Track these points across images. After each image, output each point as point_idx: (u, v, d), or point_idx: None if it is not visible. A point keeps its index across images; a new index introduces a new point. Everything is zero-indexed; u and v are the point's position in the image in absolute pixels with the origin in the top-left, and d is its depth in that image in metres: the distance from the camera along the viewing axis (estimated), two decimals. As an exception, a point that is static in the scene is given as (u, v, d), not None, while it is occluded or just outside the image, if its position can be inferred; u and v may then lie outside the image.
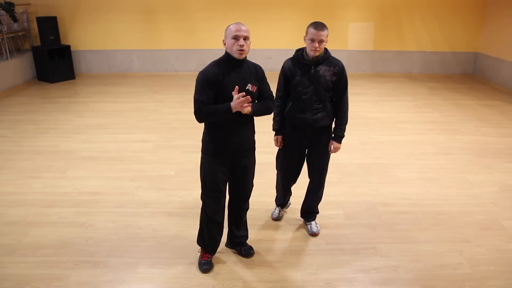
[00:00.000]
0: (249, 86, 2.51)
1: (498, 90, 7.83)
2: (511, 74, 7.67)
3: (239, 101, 2.37)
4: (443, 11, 8.56)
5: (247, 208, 2.91)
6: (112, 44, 8.72)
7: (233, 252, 2.99)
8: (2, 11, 7.55)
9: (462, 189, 4.00)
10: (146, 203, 3.65)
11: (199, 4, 8.46)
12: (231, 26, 2.46)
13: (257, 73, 2.59)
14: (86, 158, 4.57)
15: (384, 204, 3.69)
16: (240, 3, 8.42)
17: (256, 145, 2.75)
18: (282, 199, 3.40)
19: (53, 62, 8.07)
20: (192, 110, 2.50)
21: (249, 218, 3.01)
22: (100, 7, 8.41)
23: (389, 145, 5.05)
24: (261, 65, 2.69)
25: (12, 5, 7.60)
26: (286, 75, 2.91)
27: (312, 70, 2.82)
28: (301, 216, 3.36)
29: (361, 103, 6.86)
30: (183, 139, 5.16)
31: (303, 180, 3.24)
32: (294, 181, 3.25)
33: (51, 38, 8.02)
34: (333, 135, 3.00)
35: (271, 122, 3.06)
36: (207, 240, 2.80)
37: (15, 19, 7.84)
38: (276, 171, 3.28)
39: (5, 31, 7.54)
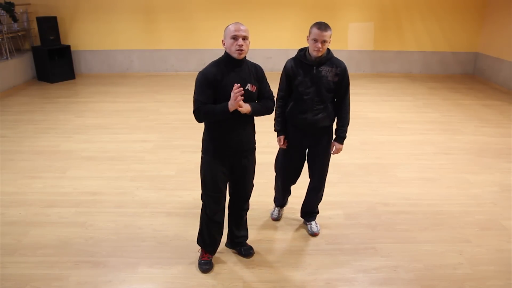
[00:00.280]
0: (248, 86, 2.51)
1: (498, 90, 7.83)
2: (511, 74, 7.67)
3: (234, 94, 2.35)
4: (443, 11, 8.57)
5: (247, 209, 2.91)
6: (112, 44, 8.72)
7: (233, 252, 2.99)
8: (2, 11, 7.55)
9: (462, 189, 4.00)
10: (146, 203, 3.65)
11: (199, 4, 8.46)
12: (230, 26, 2.46)
13: (256, 73, 2.59)
14: (86, 158, 4.57)
15: (384, 204, 3.69)
16: (240, 3, 8.42)
17: (256, 145, 2.75)
18: (281, 199, 3.40)
19: (53, 62, 8.07)
20: (192, 110, 2.50)
21: (249, 218, 3.01)
22: (100, 7, 8.41)
23: (389, 145, 5.05)
24: (261, 65, 2.69)
25: (12, 5, 7.60)
26: (288, 75, 2.90)
27: (314, 71, 2.81)
28: (301, 216, 3.36)
29: (361, 103, 6.86)
30: (183, 139, 5.16)
31: (303, 180, 3.24)
32: (294, 182, 3.24)
33: (51, 38, 8.02)
34: (335, 136, 3.00)
35: (272, 122, 3.06)
36: (207, 240, 2.80)
37: (15, 19, 7.84)
38: (275, 174, 3.28)
39: (5, 31, 7.54)
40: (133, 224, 3.32)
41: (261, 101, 2.61)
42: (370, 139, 5.24)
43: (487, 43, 8.51)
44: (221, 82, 2.45)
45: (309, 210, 3.28)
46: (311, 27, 2.75)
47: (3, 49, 7.49)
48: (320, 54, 2.76)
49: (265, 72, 2.68)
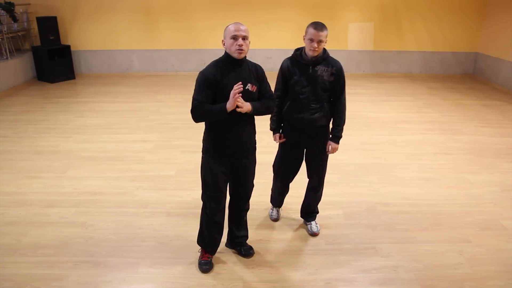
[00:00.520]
0: (248, 86, 2.51)
1: (498, 90, 7.83)
2: (511, 74, 7.67)
3: (233, 92, 2.35)
4: (443, 11, 8.57)
5: (248, 209, 2.91)
6: (112, 44, 8.72)
7: (233, 252, 2.99)
8: (2, 11, 7.55)
9: (462, 189, 4.00)
10: (146, 203, 3.65)
11: (199, 4, 8.46)
12: (229, 26, 2.46)
13: (257, 73, 2.59)
14: (86, 158, 4.57)
15: (384, 204, 3.69)
16: (240, 3, 8.42)
17: (256, 145, 2.75)
18: (279, 199, 3.41)
19: (53, 62, 8.07)
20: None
21: (249, 218, 3.01)
22: (100, 7, 8.41)
23: (389, 145, 5.05)
24: (261, 65, 2.69)
25: (12, 5, 7.59)
26: (284, 74, 2.92)
27: (310, 70, 2.83)
28: (301, 216, 3.36)
29: (361, 103, 6.86)
30: (183, 139, 5.16)
31: (302, 180, 3.24)
32: (291, 180, 3.26)
33: (51, 38, 8.02)
34: (330, 136, 3.01)
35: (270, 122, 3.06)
36: (207, 240, 2.80)
37: (15, 19, 7.83)
38: (273, 173, 3.28)
39: (5, 31, 7.54)
40: (133, 224, 3.32)
41: (261, 101, 2.61)
42: (370, 139, 5.24)
43: (487, 43, 8.51)
44: (221, 82, 2.45)
45: (309, 210, 3.29)
46: (308, 27, 2.77)
47: (3, 49, 7.49)
48: (316, 54, 2.78)
49: (265, 72, 2.68)
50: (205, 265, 2.79)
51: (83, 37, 8.61)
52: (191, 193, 3.78)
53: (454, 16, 8.59)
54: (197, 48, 8.75)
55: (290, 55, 2.95)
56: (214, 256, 2.89)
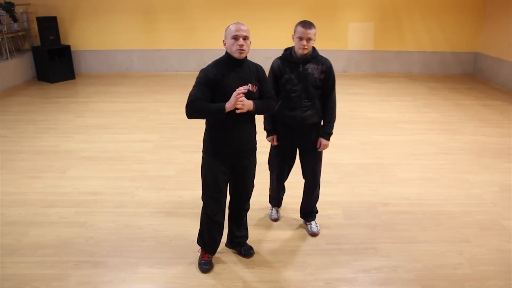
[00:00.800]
0: (249, 86, 2.50)
1: (498, 90, 7.83)
2: (511, 74, 7.67)
3: (237, 91, 2.37)
4: (443, 11, 8.57)
5: (248, 209, 2.91)
6: (112, 44, 8.72)
7: (233, 252, 2.99)
8: (2, 11, 7.55)
9: (462, 189, 4.00)
10: (146, 203, 3.65)
11: (199, 4, 8.46)
12: (230, 26, 2.46)
13: (257, 73, 2.59)
14: (86, 158, 4.57)
15: (384, 204, 3.69)
16: (240, 3, 8.42)
17: (257, 145, 2.75)
18: (277, 198, 3.41)
19: (53, 62, 8.07)
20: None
21: (249, 218, 3.01)
22: (100, 7, 8.41)
23: (389, 145, 5.05)
24: (261, 65, 2.70)
25: (12, 5, 7.60)
26: (275, 73, 2.95)
27: (301, 68, 2.87)
28: (300, 217, 3.36)
29: (361, 103, 6.86)
30: (183, 139, 5.16)
31: (301, 180, 3.23)
32: (286, 178, 3.29)
33: (51, 38, 8.02)
34: (321, 132, 3.04)
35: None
36: (207, 240, 2.79)
37: (15, 19, 7.84)
38: (269, 172, 3.30)
39: (5, 31, 7.54)
40: (133, 224, 3.32)
41: (262, 100, 2.61)
42: (370, 139, 5.24)
43: (487, 43, 8.51)
44: (221, 81, 2.45)
45: (308, 210, 3.29)
46: (296, 26, 2.81)
47: (3, 49, 7.49)
48: (305, 52, 2.81)
49: (265, 72, 2.68)
50: (205, 265, 2.79)
51: (83, 37, 8.61)
52: (191, 193, 3.78)
53: (454, 16, 8.59)
54: (197, 48, 8.75)
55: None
56: (214, 256, 2.89)
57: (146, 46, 8.75)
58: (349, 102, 6.89)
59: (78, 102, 6.83)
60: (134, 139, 5.13)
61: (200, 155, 2.68)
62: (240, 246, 2.97)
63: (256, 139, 2.73)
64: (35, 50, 8.08)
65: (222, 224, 2.79)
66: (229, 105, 2.39)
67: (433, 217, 3.50)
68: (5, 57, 7.48)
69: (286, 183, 3.39)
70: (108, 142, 5.04)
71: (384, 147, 4.98)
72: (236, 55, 2.45)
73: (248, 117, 2.56)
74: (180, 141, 5.09)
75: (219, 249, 2.92)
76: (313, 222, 3.26)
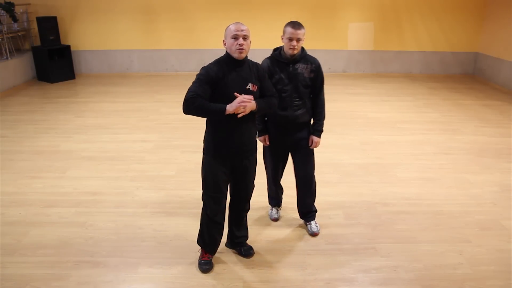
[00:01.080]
0: (249, 86, 2.51)
1: (498, 90, 7.83)
2: (511, 74, 7.67)
3: (240, 99, 2.38)
4: (443, 11, 8.57)
5: (248, 209, 2.90)
6: (112, 44, 8.72)
7: (233, 252, 2.99)
8: (2, 11, 7.55)
9: (462, 189, 4.00)
10: (146, 203, 3.65)
11: (199, 4, 8.46)
12: (230, 26, 2.46)
13: (257, 72, 2.59)
14: (86, 158, 4.57)
15: (384, 204, 3.69)
16: (240, 3, 8.42)
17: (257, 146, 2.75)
18: (276, 197, 3.42)
19: (53, 62, 8.07)
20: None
21: (249, 218, 3.01)
22: (100, 7, 8.41)
23: (389, 145, 5.05)
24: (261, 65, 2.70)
25: (12, 5, 7.60)
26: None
27: (291, 68, 2.90)
28: (300, 217, 3.35)
29: (361, 103, 6.86)
30: (183, 139, 5.16)
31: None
32: (280, 175, 3.31)
33: (51, 38, 8.02)
34: (312, 130, 3.07)
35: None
36: (207, 240, 2.79)
37: (15, 19, 7.84)
38: (266, 172, 3.31)
39: (5, 31, 7.54)
40: (133, 224, 3.32)
41: (264, 98, 2.61)
42: (370, 139, 5.24)
43: (487, 43, 8.51)
44: (221, 80, 2.45)
45: (306, 209, 3.28)
46: (285, 26, 2.85)
47: (3, 49, 7.49)
48: (295, 52, 2.85)
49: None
50: (205, 265, 2.79)
51: (83, 37, 8.61)
52: (191, 193, 3.78)
53: (454, 16, 8.59)
54: (197, 48, 8.75)
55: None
56: (214, 256, 2.89)
57: (146, 46, 8.75)
58: (349, 102, 6.89)
59: (78, 102, 6.83)
60: (134, 139, 5.13)
61: (200, 155, 2.68)
62: (240, 246, 2.97)
63: (257, 139, 2.73)
64: (35, 50, 8.08)
65: (222, 225, 2.79)
66: (230, 109, 2.40)
67: (433, 217, 3.50)
68: (5, 57, 7.48)
69: (285, 183, 3.40)
70: (108, 142, 5.04)
71: (384, 147, 4.98)
72: (236, 55, 2.45)
73: (249, 117, 2.54)
74: (180, 141, 5.09)
75: (219, 249, 2.91)
76: (312, 222, 3.26)
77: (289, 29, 2.80)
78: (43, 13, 8.27)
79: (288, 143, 3.10)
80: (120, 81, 8.31)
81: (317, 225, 3.26)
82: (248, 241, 3.01)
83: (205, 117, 2.52)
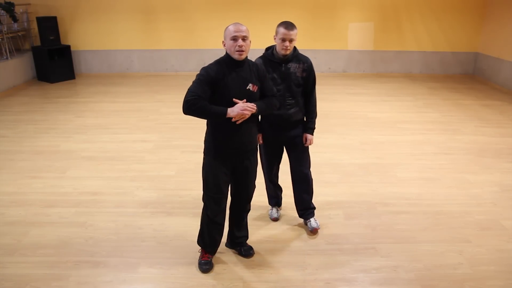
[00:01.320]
0: (249, 86, 2.51)
1: (498, 90, 7.83)
2: (511, 74, 7.67)
3: (243, 106, 2.39)
4: (443, 11, 8.57)
5: (249, 210, 2.90)
6: (112, 44, 8.72)
7: (233, 252, 2.99)
8: (2, 11, 7.55)
9: (462, 189, 4.00)
10: (146, 203, 3.65)
11: (199, 4, 8.46)
12: (229, 27, 2.46)
13: (258, 72, 2.58)
14: (86, 158, 4.57)
15: (384, 204, 3.69)
16: (240, 3, 8.42)
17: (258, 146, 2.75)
18: (276, 197, 3.42)
19: (53, 62, 8.07)
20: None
21: (249, 218, 3.01)
22: (100, 7, 8.41)
23: (389, 145, 5.05)
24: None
25: (12, 5, 7.60)
26: None
27: (283, 68, 2.93)
28: (299, 216, 3.35)
29: (361, 103, 6.86)
30: (183, 139, 5.16)
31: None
32: (277, 175, 3.35)
33: (51, 38, 8.02)
34: (306, 128, 3.10)
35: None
36: (208, 240, 2.79)
37: (15, 19, 7.84)
38: (263, 173, 3.31)
39: (5, 31, 7.54)
40: (133, 224, 3.32)
41: (265, 99, 2.61)
42: (370, 139, 5.24)
43: (487, 43, 8.51)
44: (222, 81, 2.44)
45: (305, 207, 3.28)
46: (278, 27, 2.87)
47: (3, 49, 7.49)
48: (288, 53, 2.88)
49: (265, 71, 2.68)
50: (205, 265, 2.79)
51: (83, 37, 8.62)
52: (191, 193, 3.78)
53: (454, 16, 8.59)
54: (197, 48, 8.75)
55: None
56: (214, 256, 2.89)
57: (146, 46, 8.75)
58: (349, 102, 6.89)
59: (78, 102, 6.83)
60: (134, 139, 5.13)
61: (200, 155, 2.68)
62: (240, 246, 2.97)
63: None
64: (35, 50, 8.08)
65: (222, 225, 2.79)
66: (231, 114, 2.40)
67: (433, 217, 3.50)
68: (5, 57, 7.48)
69: (285, 183, 3.40)
70: (108, 142, 5.04)
71: (384, 147, 4.98)
72: (235, 56, 2.45)
73: (250, 118, 2.53)
74: (180, 141, 5.09)
75: (219, 249, 2.91)
76: (312, 219, 3.26)
77: (282, 30, 2.82)
78: (43, 13, 8.27)
79: (282, 141, 3.14)
80: (120, 81, 8.31)
81: (316, 221, 3.26)
82: (248, 241, 3.01)
83: (205, 118, 2.52)
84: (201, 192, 2.72)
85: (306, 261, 2.91)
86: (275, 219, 3.41)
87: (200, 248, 2.86)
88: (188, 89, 2.43)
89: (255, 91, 2.54)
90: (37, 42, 8.27)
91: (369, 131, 5.51)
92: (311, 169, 3.24)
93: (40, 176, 4.15)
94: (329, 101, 6.87)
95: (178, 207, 3.59)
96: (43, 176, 4.15)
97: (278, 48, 2.89)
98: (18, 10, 7.98)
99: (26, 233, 3.20)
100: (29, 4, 8.26)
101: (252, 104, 2.46)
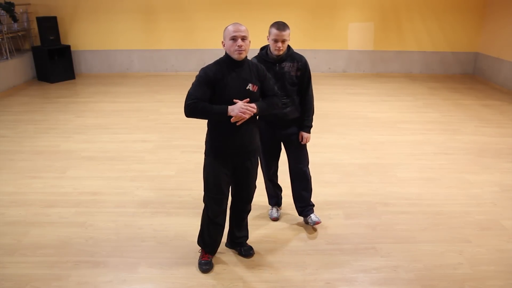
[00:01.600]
0: (249, 86, 2.50)
1: (498, 90, 7.83)
2: (511, 74, 7.67)
3: (244, 106, 2.39)
4: (443, 11, 8.57)
5: (249, 211, 2.90)
6: (112, 44, 8.72)
7: (233, 252, 2.99)
8: (2, 11, 7.55)
9: (462, 189, 4.00)
10: (146, 203, 3.65)
11: (199, 4, 8.46)
12: (229, 27, 2.46)
13: (258, 72, 2.58)
14: (86, 158, 4.57)
15: (384, 204, 3.69)
16: (240, 3, 8.42)
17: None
18: (276, 197, 3.43)
19: (53, 62, 8.07)
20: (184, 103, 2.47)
21: (249, 218, 3.01)
22: (100, 7, 8.41)
23: (389, 145, 5.05)
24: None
25: (12, 5, 7.60)
26: None
27: (277, 67, 2.93)
28: (298, 214, 3.35)
29: (361, 103, 6.86)
30: (183, 139, 5.16)
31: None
32: (276, 174, 3.35)
33: (51, 38, 8.02)
34: (302, 126, 3.10)
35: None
36: (208, 241, 2.80)
37: (15, 19, 7.84)
38: (262, 172, 3.31)
39: (5, 31, 7.54)
40: (133, 224, 3.32)
41: (266, 99, 2.60)
42: (370, 139, 5.24)
43: (487, 43, 8.51)
44: (221, 81, 2.44)
45: (304, 204, 3.29)
46: (270, 28, 2.87)
47: (3, 49, 7.49)
48: (281, 53, 2.89)
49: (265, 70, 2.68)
50: (205, 265, 2.79)
51: (83, 37, 8.62)
52: (191, 193, 3.78)
53: (454, 16, 8.59)
54: (197, 48, 8.75)
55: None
56: (214, 256, 2.89)
57: (146, 46, 8.75)
58: (349, 102, 6.89)
59: (78, 102, 6.83)
60: (134, 139, 5.13)
61: (200, 155, 2.68)
62: (240, 246, 2.97)
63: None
64: (35, 50, 8.08)
65: (223, 226, 2.79)
66: (232, 113, 2.41)
67: (433, 217, 3.50)
68: (5, 57, 7.48)
69: (284, 183, 3.40)
70: (108, 142, 5.04)
71: (384, 147, 4.98)
72: (235, 56, 2.44)
73: (251, 118, 2.53)
74: (180, 141, 5.09)
75: (219, 249, 2.92)
76: (312, 215, 3.26)
77: (274, 31, 2.83)
78: (43, 13, 8.27)
79: (279, 140, 3.15)
80: (120, 81, 8.31)
81: (317, 216, 3.26)
82: (248, 241, 3.01)
83: (207, 119, 2.52)
84: (201, 192, 2.72)
85: (306, 261, 2.91)
86: (275, 219, 3.41)
87: (200, 248, 2.86)
88: (188, 92, 2.44)
89: (255, 91, 2.54)
90: (37, 42, 8.27)
91: (369, 131, 5.51)
92: (310, 168, 3.24)
93: (40, 176, 4.15)
94: (329, 101, 6.87)
95: (178, 207, 3.59)
96: (43, 176, 4.15)
97: (271, 49, 2.90)
98: (18, 10, 7.98)
99: (26, 233, 3.20)
100: (29, 4, 8.26)
101: (253, 104, 2.45)
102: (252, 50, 2.53)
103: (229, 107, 2.41)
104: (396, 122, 5.92)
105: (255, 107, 2.46)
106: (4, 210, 3.53)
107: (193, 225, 3.17)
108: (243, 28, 2.44)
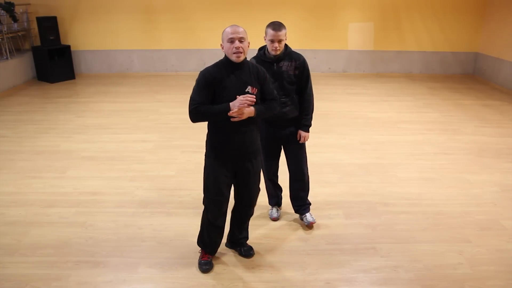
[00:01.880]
0: (249, 88, 2.49)
1: (498, 90, 7.83)
2: (511, 74, 7.67)
3: (242, 100, 2.39)
4: (443, 11, 8.57)
5: (251, 215, 2.89)
6: (112, 44, 8.72)
7: (233, 252, 2.99)
8: (2, 11, 7.55)
9: (462, 189, 4.00)
10: (146, 203, 3.65)
11: (199, 4, 8.46)
12: (226, 29, 2.45)
13: (257, 75, 2.56)
14: (86, 158, 4.57)
15: (384, 204, 3.69)
16: (240, 3, 8.42)
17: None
18: (276, 197, 3.43)
19: (53, 62, 8.07)
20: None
21: (249, 218, 3.01)
22: (100, 7, 8.41)
23: (389, 145, 5.05)
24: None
25: (12, 5, 7.60)
26: None
27: (275, 67, 2.94)
28: (295, 212, 3.36)
29: (361, 103, 6.86)
30: (183, 139, 5.16)
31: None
32: (276, 174, 3.35)
33: (51, 38, 8.02)
34: (300, 125, 3.10)
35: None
36: (207, 242, 2.80)
37: (15, 19, 7.84)
38: (262, 171, 3.31)
39: (5, 31, 7.54)
40: (133, 224, 3.32)
41: (264, 103, 2.60)
42: (370, 139, 5.24)
43: (487, 43, 8.51)
44: (220, 83, 2.44)
45: (300, 203, 3.30)
46: (267, 28, 2.87)
47: (3, 49, 7.49)
48: (278, 53, 2.90)
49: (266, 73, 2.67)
50: (205, 265, 2.79)
51: (83, 37, 8.61)
52: (191, 193, 3.78)
53: (454, 16, 8.59)
54: (197, 48, 8.75)
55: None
56: (214, 256, 2.89)
57: (146, 46, 8.75)
58: (349, 102, 6.89)
59: (78, 102, 6.83)
60: (134, 139, 5.13)
61: (200, 155, 2.68)
62: (240, 246, 2.96)
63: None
64: (35, 50, 8.08)
65: (222, 228, 2.79)
66: (233, 107, 2.40)
67: (433, 217, 3.50)
68: (5, 57, 7.48)
69: (284, 183, 3.39)
70: (108, 142, 5.04)
71: (384, 147, 4.98)
72: (233, 58, 2.44)
73: (251, 119, 2.53)
74: (180, 141, 5.09)
75: (219, 249, 2.92)
76: (307, 214, 3.27)
77: (270, 31, 2.83)
78: (43, 13, 8.26)
79: (278, 139, 3.15)
80: (120, 81, 8.31)
81: (312, 216, 3.27)
82: (248, 241, 3.01)
83: (212, 120, 2.52)
84: (201, 192, 2.72)
85: (306, 261, 2.91)
86: (275, 219, 3.41)
87: (200, 248, 2.86)
88: (190, 97, 2.46)
89: (254, 93, 2.52)
90: (37, 42, 8.27)
91: (369, 131, 5.51)
92: (310, 168, 3.25)
93: (40, 176, 4.15)
94: (329, 101, 6.87)
95: (178, 207, 3.59)
96: (43, 176, 4.15)
97: (268, 49, 2.91)
98: (18, 10, 7.98)
99: (26, 233, 3.20)
100: (29, 4, 8.26)
101: (252, 96, 2.44)
102: (252, 50, 2.53)
103: (231, 103, 2.41)
104: (396, 122, 5.92)
105: (254, 96, 2.45)
106: (4, 210, 3.53)
107: (193, 225, 3.17)
108: (240, 30, 2.44)
